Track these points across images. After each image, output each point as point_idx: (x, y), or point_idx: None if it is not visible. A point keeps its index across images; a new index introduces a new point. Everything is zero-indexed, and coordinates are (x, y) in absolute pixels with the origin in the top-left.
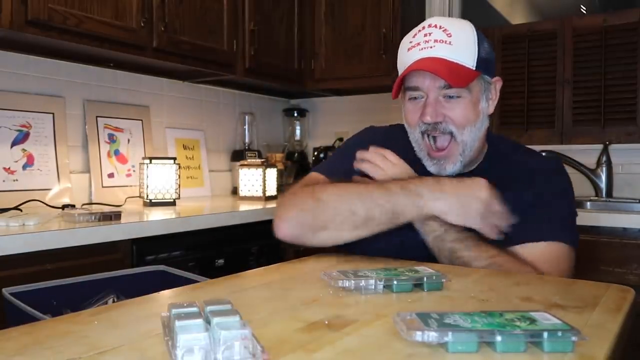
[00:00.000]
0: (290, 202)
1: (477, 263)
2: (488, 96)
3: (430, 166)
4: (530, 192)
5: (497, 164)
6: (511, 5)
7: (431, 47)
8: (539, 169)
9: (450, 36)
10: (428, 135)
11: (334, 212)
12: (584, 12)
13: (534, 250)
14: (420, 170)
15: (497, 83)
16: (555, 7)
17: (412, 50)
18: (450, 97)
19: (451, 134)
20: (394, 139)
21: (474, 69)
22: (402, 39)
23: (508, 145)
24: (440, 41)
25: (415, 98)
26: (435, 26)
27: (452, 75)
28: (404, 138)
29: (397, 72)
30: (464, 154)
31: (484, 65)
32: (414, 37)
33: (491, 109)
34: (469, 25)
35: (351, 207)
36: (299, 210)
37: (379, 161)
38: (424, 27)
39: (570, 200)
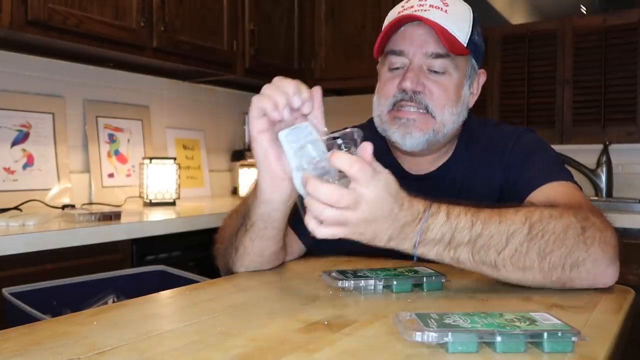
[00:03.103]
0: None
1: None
2: (471, 86)
3: (395, 132)
4: (501, 163)
5: (464, 155)
6: (511, 5)
7: (426, 11)
8: (503, 138)
9: (447, 5)
10: (399, 109)
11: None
12: (584, 12)
13: (540, 194)
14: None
15: (481, 76)
16: (555, 7)
17: (403, 12)
18: (435, 71)
19: (427, 109)
20: None
21: (465, 45)
22: None
23: (475, 127)
24: (435, 7)
25: (396, 68)
26: None
27: (446, 40)
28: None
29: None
30: (436, 133)
31: (474, 49)
32: (407, 1)
33: (471, 103)
34: (467, 5)
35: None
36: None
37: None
38: None
39: (546, 146)
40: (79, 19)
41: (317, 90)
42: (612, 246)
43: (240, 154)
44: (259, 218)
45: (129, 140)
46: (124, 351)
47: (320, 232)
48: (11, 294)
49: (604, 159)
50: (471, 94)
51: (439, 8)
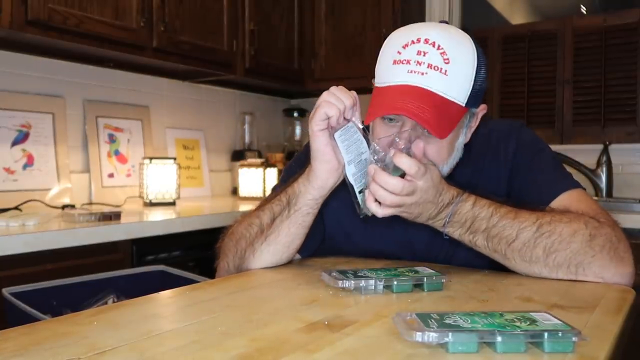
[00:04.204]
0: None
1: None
2: (469, 126)
3: None
4: (505, 165)
5: (467, 160)
6: (511, 5)
7: (422, 74)
8: (502, 136)
9: (448, 63)
10: None
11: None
12: (584, 12)
13: (557, 205)
14: None
15: (481, 112)
16: (555, 7)
17: (398, 65)
18: (429, 134)
19: None
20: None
21: (464, 105)
22: None
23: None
24: (435, 68)
25: (390, 118)
26: (433, 44)
27: (440, 121)
28: None
29: (374, 80)
30: None
31: (475, 99)
32: (404, 47)
33: (468, 137)
34: (471, 45)
35: (249, 221)
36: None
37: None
38: (419, 40)
39: (546, 147)
40: (79, 19)
41: (356, 96)
42: (621, 258)
43: (240, 154)
44: (306, 203)
45: (129, 140)
46: (124, 351)
47: (381, 212)
48: (11, 294)
49: (604, 159)
50: (469, 129)
51: (438, 69)
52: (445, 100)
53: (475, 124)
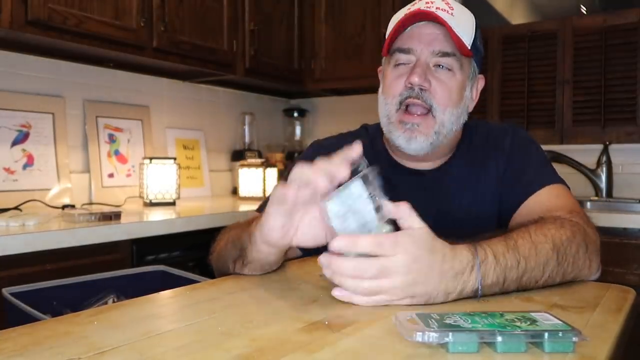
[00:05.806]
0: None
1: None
2: (472, 90)
3: (399, 136)
4: (502, 159)
5: (465, 152)
6: (511, 5)
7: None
8: (499, 134)
9: (453, 9)
10: (406, 107)
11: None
12: (584, 12)
13: (538, 199)
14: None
15: (480, 81)
16: (555, 7)
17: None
18: (441, 66)
19: (430, 109)
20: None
21: (469, 47)
22: None
23: (471, 124)
24: (442, 10)
25: (402, 64)
26: None
27: (455, 39)
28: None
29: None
30: (438, 135)
31: (476, 52)
32: (412, 5)
33: (471, 107)
34: (470, 12)
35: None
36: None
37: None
38: None
39: (538, 146)
40: (79, 19)
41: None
42: (598, 253)
43: (240, 154)
44: (254, 259)
45: (129, 140)
46: (124, 351)
47: (358, 300)
48: (11, 294)
49: (604, 159)
50: (472, 87)
51: (445, 11)
52: (456, 34)
53: (476, 95)
